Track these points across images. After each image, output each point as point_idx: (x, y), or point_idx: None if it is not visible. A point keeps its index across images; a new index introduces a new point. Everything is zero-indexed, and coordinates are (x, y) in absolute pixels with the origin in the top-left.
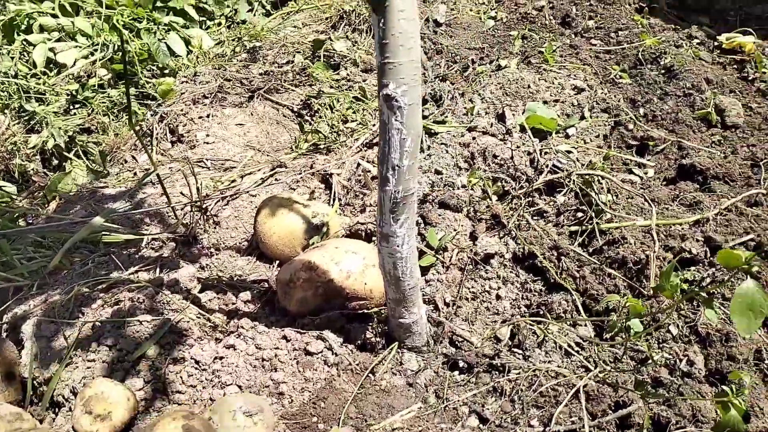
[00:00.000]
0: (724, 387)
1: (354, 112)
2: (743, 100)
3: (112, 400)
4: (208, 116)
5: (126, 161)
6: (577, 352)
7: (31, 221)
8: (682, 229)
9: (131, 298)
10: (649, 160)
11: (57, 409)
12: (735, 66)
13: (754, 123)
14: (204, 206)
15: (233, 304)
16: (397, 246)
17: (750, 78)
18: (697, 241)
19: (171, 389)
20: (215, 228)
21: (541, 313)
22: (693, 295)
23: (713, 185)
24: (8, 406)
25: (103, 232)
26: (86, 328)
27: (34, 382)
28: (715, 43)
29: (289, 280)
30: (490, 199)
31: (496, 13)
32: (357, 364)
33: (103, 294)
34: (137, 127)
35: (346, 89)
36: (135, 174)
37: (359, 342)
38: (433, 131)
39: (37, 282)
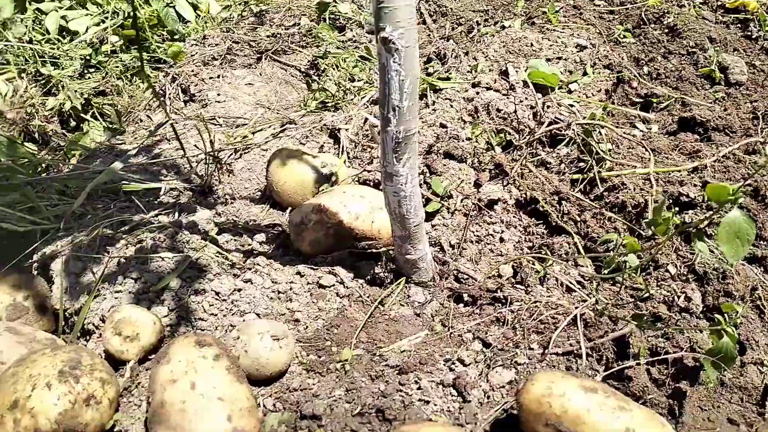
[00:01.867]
0: (718, 317)
1: (360, 71)
2: (747, 58)
3: (140, 323)
4: (218, 77)
5: (141, 120)
6: (578, 288)
7: (53, 173)
8: (681, 175)
9: (153, 238)
10: (653, 116)
11: (88, 337)
12: (739, 25)
13: (757, 80)
14: (218, 157)
15: (249, 245)
16: (401, 185)
17: (754, 36)
18: (695, 186)
19: (194, 317)
20: (229, 178)
21: (543, 252)
22: (684, 229)
23: (713, 136)
24: (44, 333)
25: (123, 181)
26: (112, 264)
27: (65, 313)
28: (719, 3)
29: (300, 222)
30: (494, 150)
31: None
32: (367, 297)
33: (126, 235)
34: (149, 90)
35: (352, 49)
36: (150, 132)
37: (369, 277)
38: (438, 87)
39: (63, 225)
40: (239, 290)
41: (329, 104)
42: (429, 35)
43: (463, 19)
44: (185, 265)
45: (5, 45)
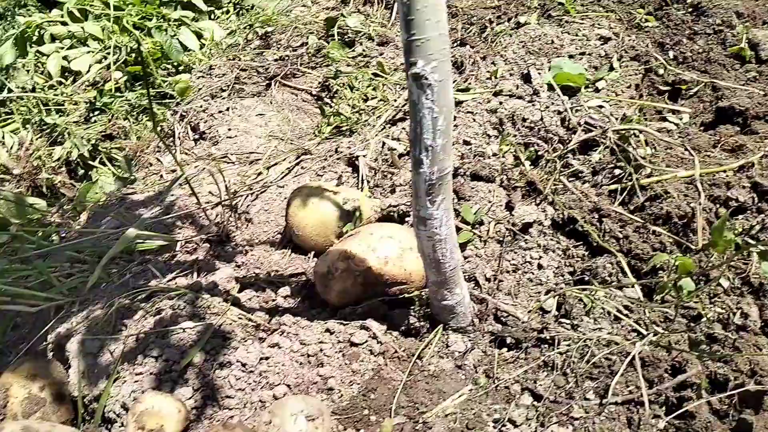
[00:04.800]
0: None
1: (374, 89)
2: None
3: (164, 413)
4: (227, 110)
5: (151, 164)
6: (627, 316)
7: (64, 235)
8: (727, 176)
9: (172, 306)
10: (683, 104)
11: (110, 426)
12: None
13: None
14: (234, 204)
15: (273, 300)
16: (436, 228)
17: None
18: (744, 187)
19: (220, 395)
20: (247, 225)
21: (586, 279)
22: (746, 248)
23: (755, 126)
24: (62, 427)
25: (137, 241)
26: (130, 340)
27: (84, 400)
28: None
29: (327, 272)
30: (524, 165)
31: None
32: (403, 351)
33: (144, 304)
34: (159, 128)
35: (363, 66)
36: (161, 176)
37: (403, 328)
38: (457, 100)
39: (78, 299)
40: (266, 358)
41: (344, 128)
42: None
43: (475, 18)
44: (208, 335)
45: (8, 96)
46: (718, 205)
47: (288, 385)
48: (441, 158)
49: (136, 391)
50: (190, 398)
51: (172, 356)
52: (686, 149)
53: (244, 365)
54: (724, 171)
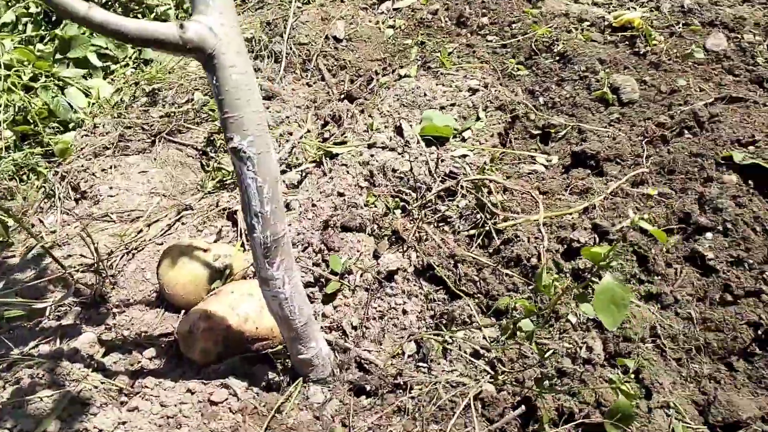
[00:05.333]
0: (610, 376)
1: None
2: (637, 74)
3: None
4: (111, 168)
5: (33, 225)
6: (483, 355)
7: None
8: (572, 218)
9: (31, 375)
10: (552, 147)
11: None
12: (626, 43)
13: (649, 96)
14: (104, 266)
15: (139, 362)
16: (279, 288)
17: (641, 52)
18: (585, 229)
19: None
20: (118, 285)
21: (444, 322)
22: (574, 288)
23: (605, 167)
24: None
25: (5, 308)
26: None
27: None
28: (606, 23)
29: (189, 332)
30: (394, 214)
31: (394, 21)
32: (263, 406)
33: (4, 373)
34: (41, 189)
35: None
36: (42, 237)
37: (264, 383)
38: (334, 153)
39: None
40: (124, 423)
41: (228, 182)
42: (328, 93)
43: (362, 70)
44: (64, 403)
45: None
46: (564, 246)
47: None
48: (272, 223)
49: None
50: None
51: (26, 426)
52: (532, 196)
53: (100, 431)
54: (570, 213)
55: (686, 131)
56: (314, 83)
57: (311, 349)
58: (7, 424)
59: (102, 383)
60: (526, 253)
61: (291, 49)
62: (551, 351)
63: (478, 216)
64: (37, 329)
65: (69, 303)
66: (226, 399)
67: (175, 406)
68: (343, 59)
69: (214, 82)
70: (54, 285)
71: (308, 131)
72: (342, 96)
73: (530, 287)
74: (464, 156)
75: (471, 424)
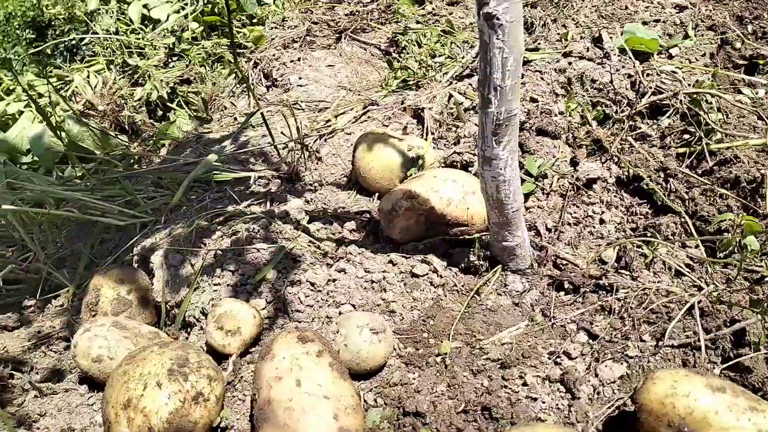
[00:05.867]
0: None
1: (442, 46)
2: None
3: (241, 317)
4: (299, 59)
5: (225, 107)
6: (688, 273)
7: (146, 165)
8: None
9: (247, 229)
10: (759, 78)
11: (189, 329)
12: None
13: None
14: (304, 144)
15: (340, 233)
16: (501, 169)
17: None
18: None
19: (291, 308)
20: (316, 165)
21: (649, 234)
22: None
23: None
24: (147, 326)
25: (215, 172)
26: (209, 256)
27: (167, 305)
28: None
29: (391, 209)
30: (590, 125)
31: None
32: (462, 286)
33: (221, 226)
34: (236, 72)
35: (432, 23)
36: (235, 119)
37: (463, 266)
38: (526, 59)
39: (161, 218)
40: (334, 280)
41: (411, 83)
42: None
43: None
44: (280, 256)
45: (93, 37)
46: None
47: (353, 305)
48: (509, 99)
49: (215, 299)
50: (263, 309)
51: (247, 271)
52: (760, 117)
53: (313, 285)
54: None
55: None
56: None
57: (517, 237)
58: (230, 267)
59: (310, 245)
60: (746, 176)
61: None
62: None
63: (686, 136)
64: (247, 192)
65: (269, 176)
66: (427, 274)
67: (380, 272)
68: None
69: None
70: (255, 158)
71: None
72: (525, 6)
73: (748, 211)
74: (673, 73)
75: (690, 329)
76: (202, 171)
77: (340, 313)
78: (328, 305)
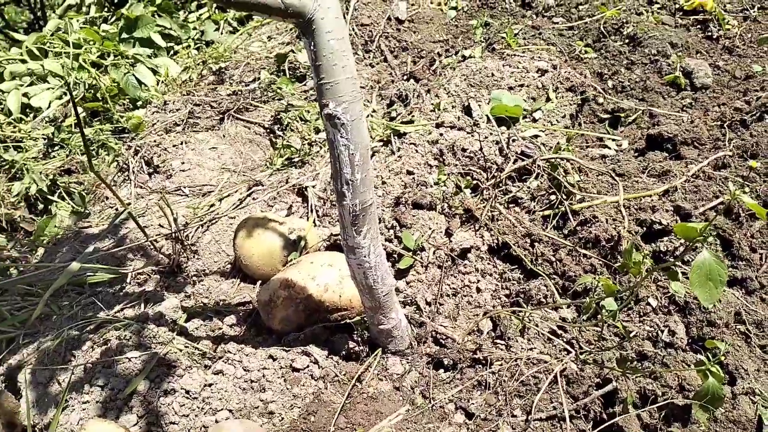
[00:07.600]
0: (701, 357)
1: None
2: (710, 59)
3: None
4: (182, 143)
5: (107, 198)
6: (560, 335)
7: (22, 269)
8: (652, 200)
9: (119, 336)
10: (622, 131)
11: None
12: (698, 26)
13: (722, 81)
14: (182, 236)
15: (219, 329)
16: (364, 257)
17: (714, 36)
18: (667, 211)
19: (164, 421)
20: (197, 255)
21: (520, 301)
22: (658, 268)
23: (682, 151)
24: None
25: (88, 273)
26: (78, 370)
27: (35, 428)
28: (677, 6)
29: (269, 301)
30: (464, 193)
31: (456, 2)
32: (343, 374)
33: (92, 335)
34: (114, 163)
35: (313, 100)
36: (116, 210)
37: (344, 352)
38: (401, 132)
39: (29, 331)
40: (210, 385)
41: (296, 160)
42: (391, 73)
43: (424, 52)
44: (152, 364)
45: None
46: (644, 228)
47: (230, 410)
48: (362, 191)
49: (84, 418)
50: (135, 425)
51: (117, 385)
52: (612, 177)
53: (188, 392)
54: (650, 195)
55: (766, 116)
56: (377, 64)
57: (392, 319)
58: (99, 382)
59: (186, 347)
60: (605, 235)
61: (353, 30)
62: (632, 333)
63: (552, 197)
64: (121, 294)
65: (148, 271)
66: (308, 366)
67: (258, 371)
68: (405, 40)
69: (311, 47)
70: (133, 253)
71: (374, 111)
72: (405, 77)
73: (610, 269)
74: (536, 137)
75: (556, 399)
76: (65, 280)
77: (216, 421)
78: (204, 413)
